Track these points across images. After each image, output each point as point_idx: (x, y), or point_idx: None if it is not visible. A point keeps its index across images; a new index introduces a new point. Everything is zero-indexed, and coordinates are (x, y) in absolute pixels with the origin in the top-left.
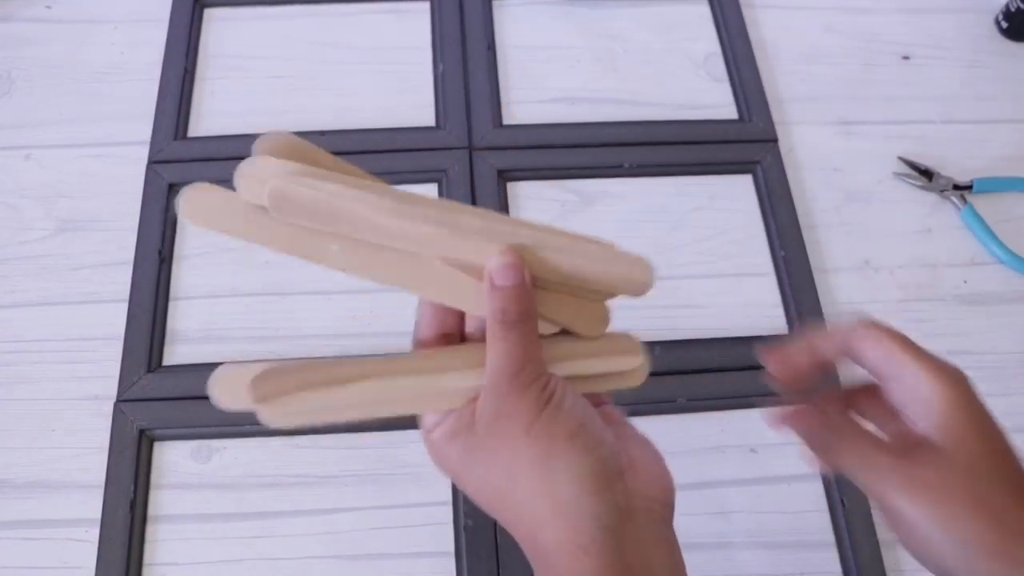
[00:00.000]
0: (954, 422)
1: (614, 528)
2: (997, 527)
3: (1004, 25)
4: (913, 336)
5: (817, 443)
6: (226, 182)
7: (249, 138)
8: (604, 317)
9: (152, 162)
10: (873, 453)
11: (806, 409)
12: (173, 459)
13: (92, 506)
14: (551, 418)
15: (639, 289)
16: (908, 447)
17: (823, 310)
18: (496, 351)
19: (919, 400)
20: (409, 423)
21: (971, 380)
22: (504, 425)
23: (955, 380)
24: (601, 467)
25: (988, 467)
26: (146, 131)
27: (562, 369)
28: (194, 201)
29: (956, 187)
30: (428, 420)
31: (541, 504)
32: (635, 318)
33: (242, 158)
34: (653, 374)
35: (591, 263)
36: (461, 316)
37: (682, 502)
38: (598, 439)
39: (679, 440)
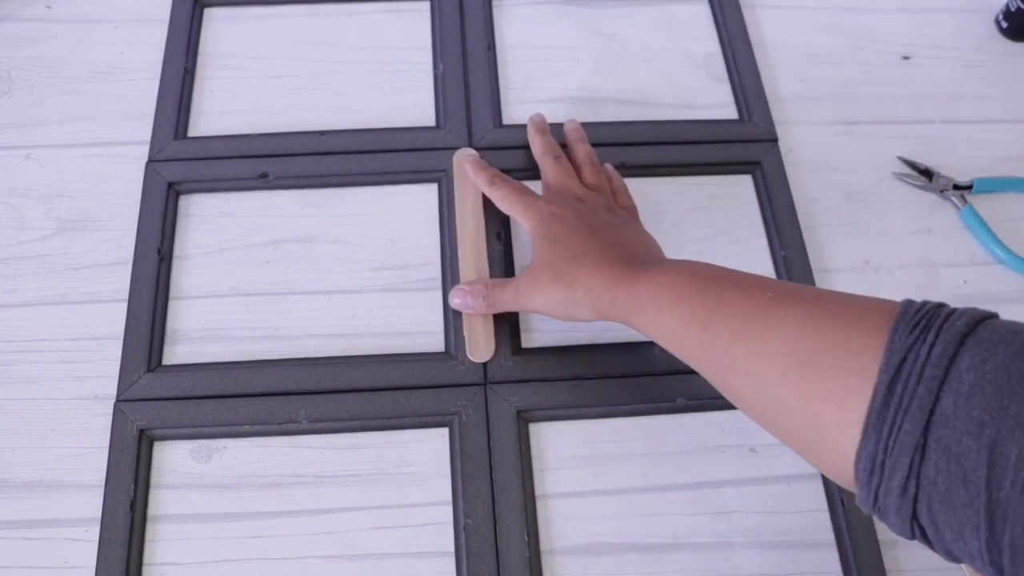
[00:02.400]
0: (534, 242)
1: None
2: (558, 285)
3: (1004, 25)
4: None
5: None
6: (225, 180)
7: (249, 138)
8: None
9: (151, 161)
10: (511, 287)
11: None
12: (173, 459)
13: (92, 506)
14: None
15: None
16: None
17: None
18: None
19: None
20: (411, 424)
21: (546, 216)
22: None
23: (532, 219)
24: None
25: (548, 255)
26: (146, 130)
27: None
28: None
29: (956, 187)
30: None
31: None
32: None
33: (242, 157)
34: (653, 374)
35: None
36: None
37: (682, 502)
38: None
39: (679, 440)
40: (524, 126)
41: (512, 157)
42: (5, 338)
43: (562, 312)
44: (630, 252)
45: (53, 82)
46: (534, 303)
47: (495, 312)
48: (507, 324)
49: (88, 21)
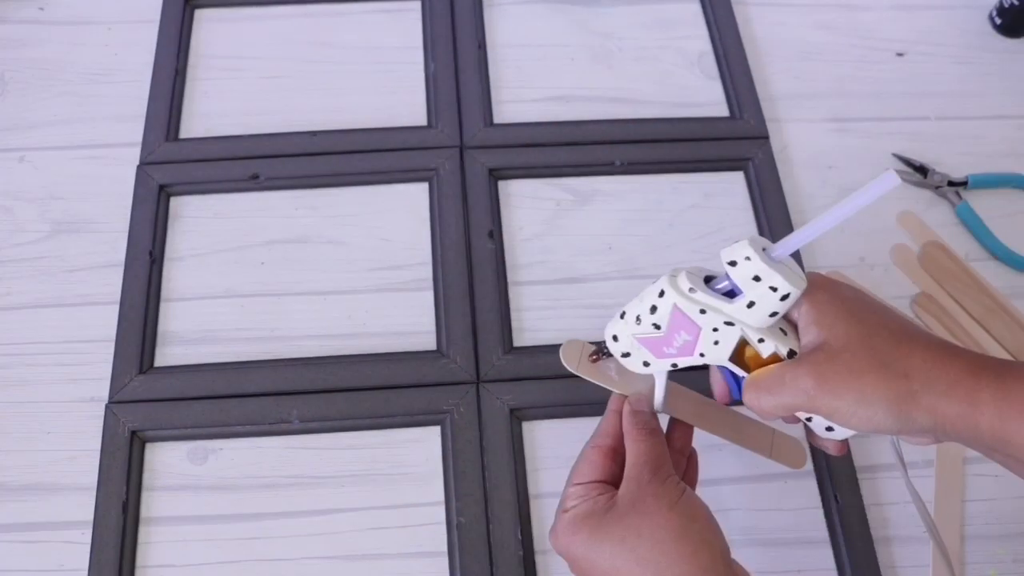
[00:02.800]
0: (819, 318)
1: None
2: (884, 376)
3: (998, 21)
4: None
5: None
6: (218, 182)
7: (240, 139)
8: (801, 454)
9: (143, 163)
10: (791, 378)
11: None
12: (168, 461)
13: (87, 508)
14: (688, 501)
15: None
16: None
17: None
18: (638, 450)
19: (796, 318)
20: (403, 423)
21: (830, 277)
22: (649, 504)
23: (809, 287)
24: (724, 545)
25: (859, 334)
26: (138, 132)
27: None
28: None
29: (951, 183)
30: (568, 503)
31: (680, 564)
32: None
33: (233, 159)
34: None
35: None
36: (618, 469)
37: None
38: (716, 523)
39: None
40: (515, 124)
41: (503, 156)
42: (1, 341)
43: (887, 417)
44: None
45: (46, 84)
46: (837, 403)
47: (768, 417)
48: (498, 322)
49: (81, 23)
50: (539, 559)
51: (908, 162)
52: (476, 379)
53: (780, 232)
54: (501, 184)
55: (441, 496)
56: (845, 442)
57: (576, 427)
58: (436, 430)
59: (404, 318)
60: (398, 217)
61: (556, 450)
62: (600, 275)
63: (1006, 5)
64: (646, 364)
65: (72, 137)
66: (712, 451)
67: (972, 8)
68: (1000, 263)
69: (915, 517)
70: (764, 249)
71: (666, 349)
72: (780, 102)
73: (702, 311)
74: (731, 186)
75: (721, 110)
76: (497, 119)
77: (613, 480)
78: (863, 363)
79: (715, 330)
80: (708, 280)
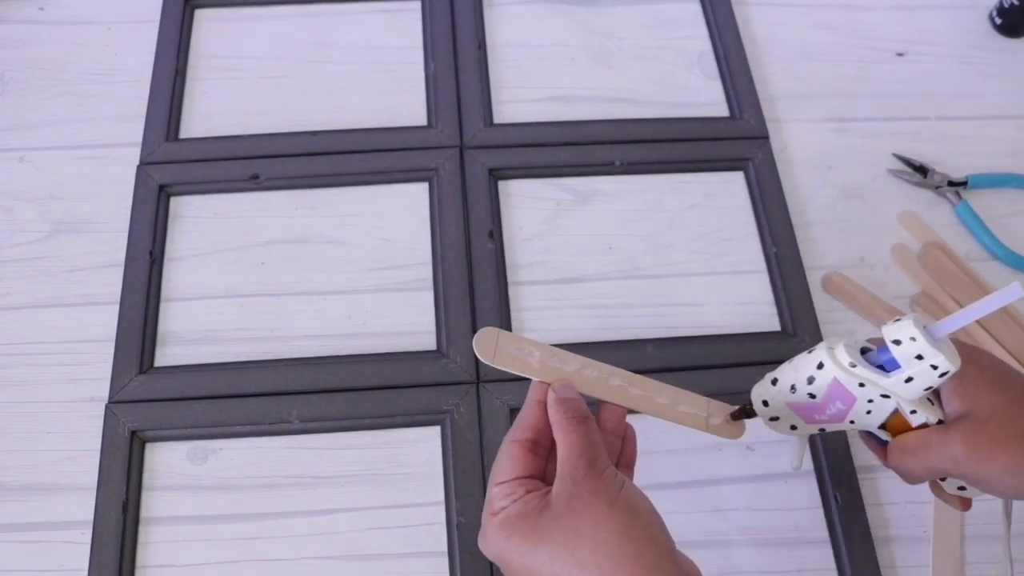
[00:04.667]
0: (963, 389)
1: None
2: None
3: (998, 21)
4: None
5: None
6: (218, 182)
7: (240, 139)
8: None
9: (143, 163)
10: (939, 444)
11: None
12: (168, 460)
13: (88, 508)
14: (628, 495)
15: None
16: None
17: (816, 307)
18: (570, 443)
19: (941, 390)
20: (403, 423)
21: (973, 347)
22: (587, 502)
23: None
24: (668, 538)
25: (1004, 404)
26: (138, 132)
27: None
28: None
29: (951, 183)
30: (496, 504)
31: (626, 566)
32: (631, 316)
33: (233, 159)
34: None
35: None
36: (542, 462)
37: (679, 500)
38: (659, 516)
39: (675, 438)
40: (515, 124)
41: (503, 156)
42: (1, 341)
43: None
44: None
45: (46, 84)
46: (984, 471)
47: (912, 480)
48: (498, 322)
49: (81, 23)
50: None
51: (908, 162)
52: (476, 379)
53: (780, 232)
54: (501, 184)
55: (441, 496)
56: (970, 500)
57: None
58: (436, 430)
59: (404, 318)
60: (398, 217)
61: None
62: (600, 275)
63: (1006, 5)
64: (793, 428)
65: (72, 137)
66: (712, 451)
67: (972, 8)
68: (1000, 263)
69: (915, 517)
70: (925, 327)
71: (817, 416)
72: (780, 102)
73: (860, 384)
74: (731, 186)
75: (721, 110)
76: (497, 119)
77: (538, 475)
78: (1009, 434)
79: (870, 401)
80: (863, 351)
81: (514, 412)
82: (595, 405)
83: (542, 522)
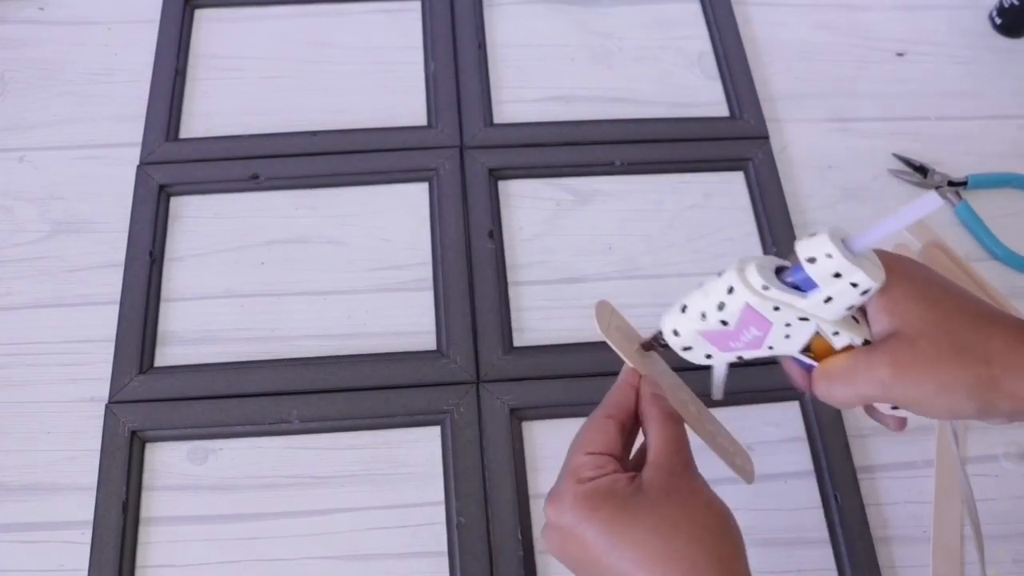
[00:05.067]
0: (891, 304)
1: None
2: (964, 363)
3: (998, 21)
4: None
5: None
6: (218, 182)
7: (240, 139)
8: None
9: (143, 163)
10: (866, 368)
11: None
12: (168, 461)
13: (88, 508)
14: (720, 502)
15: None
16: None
17: None
18: (666, 438)
19: (867, 308)
20: (403, 423)
21: (900, 257)
22: (684, 496)
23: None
24: (745, 549)
25: (935, 319)
26: (138, 132)
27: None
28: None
29: (951, 183)
30: (584, 472)
31: (717, 566)
32: (630, 316)
33: (233, 159)
34: None
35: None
36: (625, 446)
37: None
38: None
39: None
40: (515, 124)
41: (503, 155)
42: (1, 341)
43: (969, 404)
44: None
45: (46, 84)
46: (915, 392)
47: (842, 407)
48: (498, 322)
49: (81, 23)
50: (539, 559)
51: (908, 162)
52: (476, 379)
53: (780, 232)
54: (501, 184)
55: (441, 496)
56: (905, 419)
57: (576, 427)
58: (436, 430)
59: (404, 318)
60: (398, 217)
61: (556, 450)
62: (600, 275)
63: (1006, 5)
64: (708, 357)
65: (72, 137)
66: (711, 451)
67: (972, 8)
68: (1000, 263)
69: (915, 517)
70: (843, 241)
71: (732, 344)
72: (780, 102)
73: (776, 308)
74: (731, 186)
75: (721, 110)
76: (497, 119)
77: (622, 458)
78: (941, 350)
79: (787, 325)
80: (778, 271)
81: (514, 412)
82: None
83: (635, 505)
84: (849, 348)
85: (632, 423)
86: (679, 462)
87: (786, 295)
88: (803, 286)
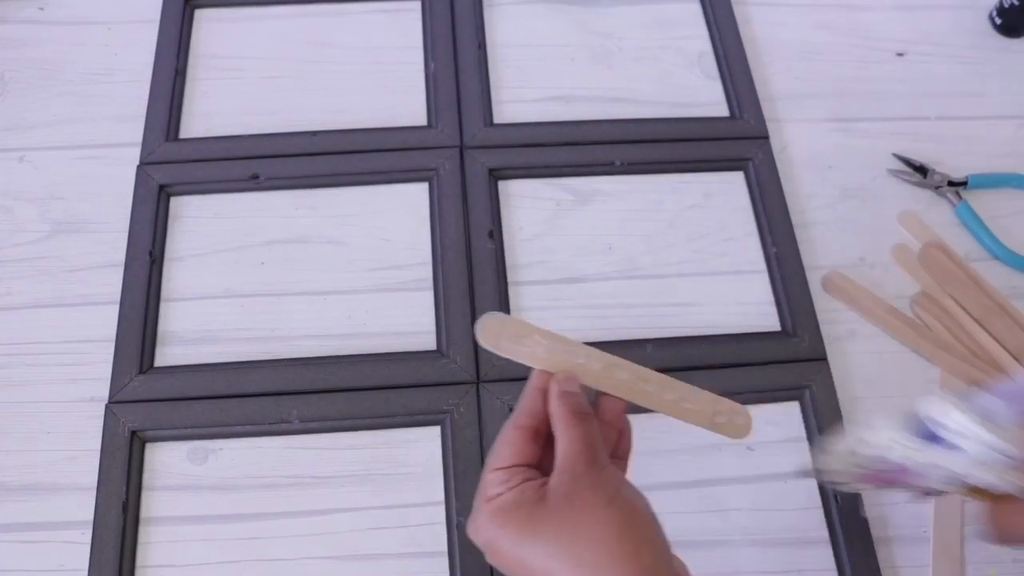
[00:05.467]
0: None
1: None
2: None
3: (998, 21)
4: None
5: None
6: (218, 182)
7: (240, 139)
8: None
9: (143, 163)
10: None
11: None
12: (168, 461)
13: (88, 508)
14: (626, 494)
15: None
16: None
17: (816, 307)
18: (571, 438)
19: None
20: (403, 423)
21: None
22: (584, 498)
23: None
24: (664, 539)
25: None
26: (138, 132)
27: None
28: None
29: (951, 183)
30: (491, 490)
31: (624, 564)
32: (630, 316)
33: (234, 159)
34: None
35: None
36: (540, 451)
37: (679, 500)
38: (655, 515)
39: (675, 438)
40: (515, 124)
41: (503, 155)
42: (1, 341)
43: None
44: None
45: (46, 84)
46: None
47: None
48: None
49: (81, 23)
50: None
51: (908, 162)
52: (476, 379)
53: (780, 232)
54: (501, 184)
55: (441, 496)
56: None
57: None
58: (436, 430)
59: (404, 318)
60: (398, 217)
61: None
62: (600, 275)
63: (1006, 5)
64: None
65: (72, 137)
66: (712, 451)
67: (972, 8)
68: (1000, 263)
69: (915, 517)
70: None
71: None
72: (780, 102)
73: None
74: (731, 186)
75: (721, 110)
76: (497, 119)
77: (537, 464)
78: None
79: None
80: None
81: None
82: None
83: (538, 515)
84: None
85: (549, 426)
86: (581, 462)
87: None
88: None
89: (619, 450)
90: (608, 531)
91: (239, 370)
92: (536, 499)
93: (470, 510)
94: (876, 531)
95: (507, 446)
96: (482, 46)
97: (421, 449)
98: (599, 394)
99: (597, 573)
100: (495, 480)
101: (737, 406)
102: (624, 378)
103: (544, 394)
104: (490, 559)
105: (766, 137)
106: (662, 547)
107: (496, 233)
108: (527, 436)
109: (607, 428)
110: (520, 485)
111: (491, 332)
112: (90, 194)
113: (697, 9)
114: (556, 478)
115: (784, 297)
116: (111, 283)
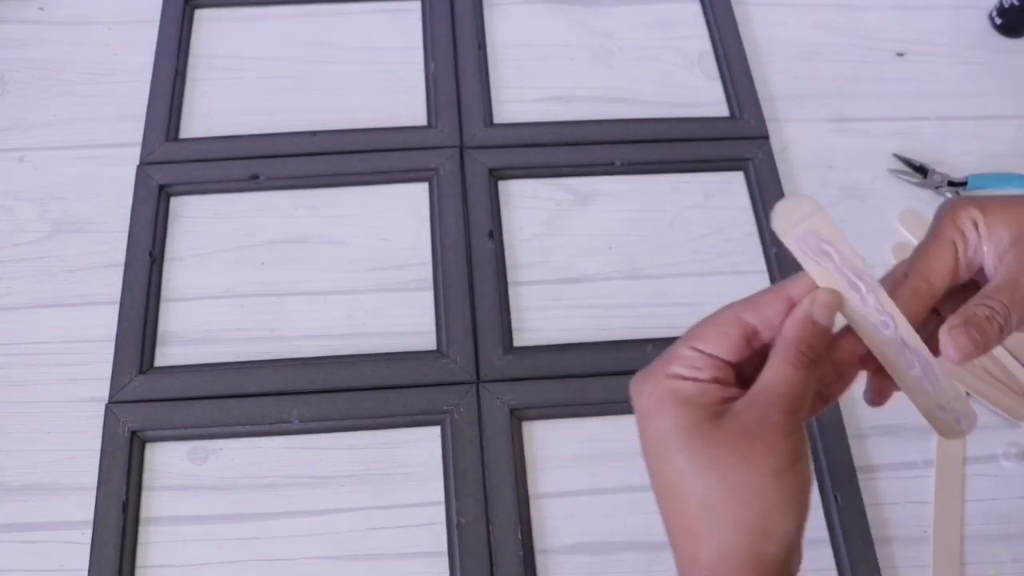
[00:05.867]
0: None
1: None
2: None
3: (998, 21)
4: None
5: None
6: (218, 182)
7: (240, 139)
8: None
9: (143, 163)
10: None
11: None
12: (168, 461)
13: (88, 508)
14: (800, 472)
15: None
16: None
17: None
18: (785, 378)
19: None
20: (403, 423)
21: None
22: (758, 451)
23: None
24: (801, 536)
25: None
26: (138, 132)
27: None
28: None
29: (951, 183)
30: (677, 367)
31: (745, 527)
32: (630, 316)
33: (234, 159)
34: None
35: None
36: (745, 357)
37: None
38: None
39: None
40: (515, 124)
41: (503, 155)
42: (1, 341)
43: None
44: None
45: (46, 84)
46: None
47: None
48: (498, 322)
49: (81, 23)
50: (539, 559)
51: (908, 162)
52: (476, 379)
53: None
54: (501, 184)
55: (441, 496)
56: None
57: (576, 427)
58: (436, 430)
59: (404, 318)
60: (398, 217)
61: (556, 450)
62: (600, 275)
63: (1006, 5)
64: None
65: (72, 137)
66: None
67: (972, 8)
68: None
69: (915, 517)
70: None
71: None
72: (780, 102)
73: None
74: (731, 186)
75: (721, 110)
76: (497, 119)
77: (738, 363)
78: None
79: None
80: None
81: (514, 412)
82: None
83: (706, 429)
84: None
85: (767, 336)
86: (777, 410)
87: None
88: None
89: (829, 392)
90: (752, 505)
91: (239, 370)
92: (712, 413)
93: (470, 510)
94: (876, 531)
95: (719, 331)
96: (482, 46)
97: (421, 449)
98: (847, 330)
99: (709, 536)
100: (687, 359)
101: (970, 412)
102: (887, 335)
103: (790, 304)
104: (637, 421)
105: (766, 137)
106: (791, 547)
107: (496, 233)
108: (744, 333)
109: (830, 367)
110: (707, 383)
111: (787, 216)
112: (90, 194)
113: (697, 9)
114: (744, 405)
115: None
116: (111, 283)
